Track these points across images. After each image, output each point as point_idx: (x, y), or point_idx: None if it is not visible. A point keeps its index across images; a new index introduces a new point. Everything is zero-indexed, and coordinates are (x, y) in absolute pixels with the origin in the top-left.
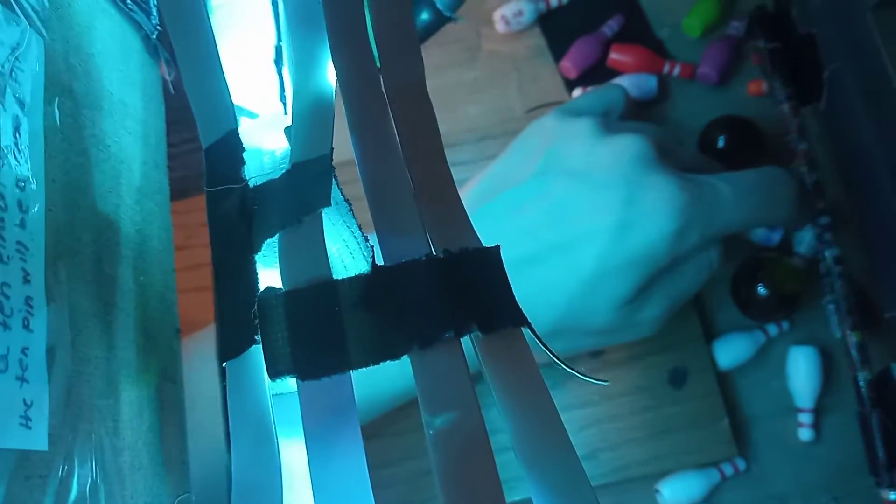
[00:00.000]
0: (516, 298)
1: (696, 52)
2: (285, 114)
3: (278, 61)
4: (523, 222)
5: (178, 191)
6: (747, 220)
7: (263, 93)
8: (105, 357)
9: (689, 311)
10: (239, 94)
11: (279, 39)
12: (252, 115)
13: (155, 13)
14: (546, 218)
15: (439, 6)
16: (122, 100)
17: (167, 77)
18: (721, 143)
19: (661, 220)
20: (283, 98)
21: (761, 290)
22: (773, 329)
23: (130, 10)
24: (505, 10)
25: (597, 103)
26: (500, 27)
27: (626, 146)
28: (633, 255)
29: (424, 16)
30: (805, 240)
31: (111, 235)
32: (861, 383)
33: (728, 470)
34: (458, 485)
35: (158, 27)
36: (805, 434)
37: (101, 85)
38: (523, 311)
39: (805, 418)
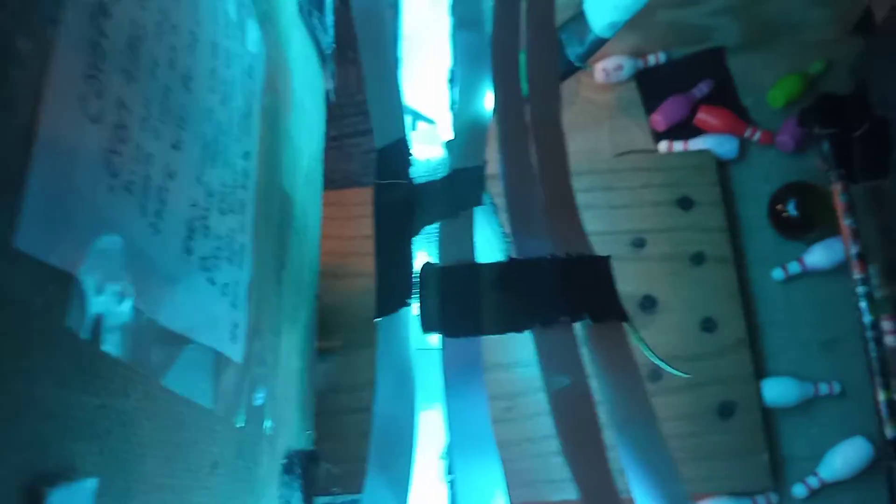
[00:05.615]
0: None
1: (777, 122)
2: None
3: (452, 81)
4: None
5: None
6: None
7: (439, 104)
8: (275, 303)
9: (742, 350)
10: (421, 104)
11: (453, 66)
12: (430, 121)
13: (330, 32)
14: None
15: (571, 58)
16: (302, 101)
17: (329, 87)
18: (791, 206)
19: None
20: (453, 109)
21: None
22: (823, 387)
23: (314, 27)
24: (606, 63)
25: None
26: (599, 77)
27: None
28: None
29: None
30: None
31: (289, 209)
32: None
33: (761, 502)
34: (571, 433)
35: (333, 44)
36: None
37: (291, 87)
38: (626, 311)
39: (812, 482)
